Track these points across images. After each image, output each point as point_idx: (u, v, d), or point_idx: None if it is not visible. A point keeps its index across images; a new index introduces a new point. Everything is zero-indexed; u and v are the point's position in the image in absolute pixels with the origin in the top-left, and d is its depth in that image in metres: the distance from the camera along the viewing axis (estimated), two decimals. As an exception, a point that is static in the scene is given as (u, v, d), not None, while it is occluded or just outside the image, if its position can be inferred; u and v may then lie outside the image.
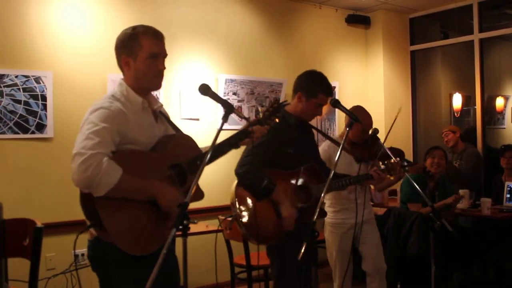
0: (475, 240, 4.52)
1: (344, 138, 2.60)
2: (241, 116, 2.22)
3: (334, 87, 5.84)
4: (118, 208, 1.87)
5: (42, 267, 3.29)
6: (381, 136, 3.42)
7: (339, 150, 2.44)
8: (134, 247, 1.90)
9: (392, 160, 3.12)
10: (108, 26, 4.31)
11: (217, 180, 4.56)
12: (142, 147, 2.03)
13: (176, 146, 2.12)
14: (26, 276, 2.72)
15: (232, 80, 5.05)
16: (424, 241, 3.92)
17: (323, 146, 3.50)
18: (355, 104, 3.73)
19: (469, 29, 5.88)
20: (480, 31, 5.79)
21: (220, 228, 3.67)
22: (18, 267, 2.93)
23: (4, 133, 3.84)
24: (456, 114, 6.53)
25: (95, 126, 1.87)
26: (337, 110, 5.61)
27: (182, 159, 2.11)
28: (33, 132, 3.96)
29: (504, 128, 7.48)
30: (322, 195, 2.34)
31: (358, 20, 6.14)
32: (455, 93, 6.69)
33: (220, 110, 4.69)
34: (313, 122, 3.19)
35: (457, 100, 6.55)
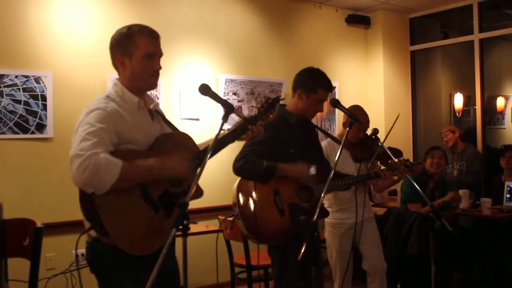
0: (475, 240, 4.52)
1: (344, 137, 2.59)
2: (241, 116, 2.22)
3: (334, 87, 5.84)
4: (118, 209, 1.86)
5: (42, 267, 3.29)
6: (380, 136, 3.43)
7: (339, 149, 2.44)
8: (135, 248, 1.90)
9: (397, 160, 3.12)
10: (108, 26, 4.30)
11: (217, 180, 4.57)
12: (140, 147, 2.02)
13: (174, 144, 2.12)
14: (26, 276, 2.72)
15: (232, 80, 5.05)
16: (424, 241, 3.92)
17: (322, 144, 3.50)
18: (355, 104, 3.73)
19: (469, 29, 5.88)
20: (480, 31, 5.79)
21: (220, 228, 3.68)
22: (18, 267, 2.93)
23: (4, 133, 3.84)
24: (457, 114, 6.53)
25: (92, 127, 1.85)
26: (337, 110, 5.66)
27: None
28: (33, 132, 3.96)
29: (504, 128, 7.48)
30: (322, 195, 2.34)
31: (358, 20, 6.14)
32: (455, 93, 6.69)
33: (220, 110, 4.69)
34: (313, 122, 3.19)
35: (459, 100, 6.54)
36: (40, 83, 3.98)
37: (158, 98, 4.51)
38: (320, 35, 5.87)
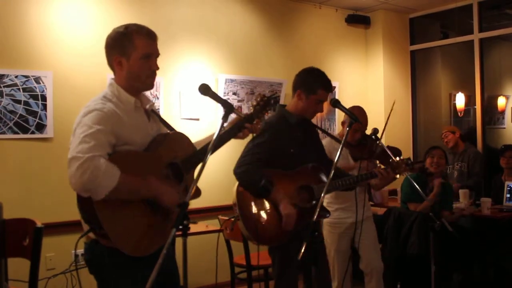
0: (475, 240, 4.52)
1: (344, 137, 2.58)
2: (241, 116, 2.22)
3: (334, 87, 5.84)
4: (117, 211, 1.85)
5: (42, 267, 3.29)
6: (379, 131, 3.42)
7: (339, 149, 2.43)
8: (135, 249, 1.89)
9: (398, 158, 3.11)
10: (108, 26, 4.24)
11: (217, 180, 4.57)
12: (137, 147, 2.01)
13: (171, 144, 2.11)
14: (26, 276, 2.72)
15: (232, 80, 5.05)
16: (424, 241, 3.92)
17: (323, 142, 3.50)
18: (355, 104, 3.73)
19: (469, 29, 5.88)
20: (480, 31, 5.79)
21: (220, 228, 3.68)
22: (18, 267, 2.93)
23: (4, 133, 3.84)
24: (460, 114, 6.53)
25: (90, 128, 1.84)
26: (337, 110, 5.66)
27: (178, 157, 2.10)
28: (33, 132, 3.96)
29: (504, 128, 7.47)
30: (322, 195, 2.34)
31: (358, 20, 6.14)
32: (456, 93, 6.69)
33: (220, 110, 4.69)
34: (313, 122, 3.18)
35: (460, 100, 6.53)
36: (40, 83, 3.98)
37: (158, 98, 4.51)
38: (320, 35, 5.87)
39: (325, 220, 3.55)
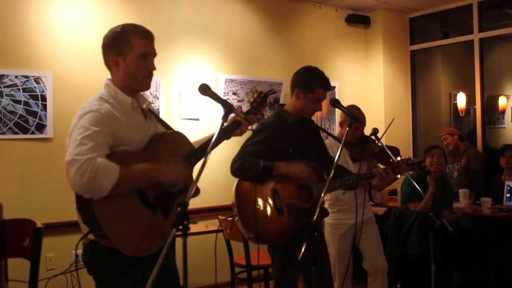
0: (475, 240, 4.52)
1: (344, 137, 2.58)
2: (241, 116, 2.22)
3: (334, 87, 5.85)
4: (116, 211, 1.85)
5: (42, 267, 3.29)
6: (379, 136, 3.42)
7: (339, 149, 2.43)
8: (136, 250, 1.89)
9: (398, 158, 3.10)
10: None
11: (217, 180, 4.56)
12: (134, 147, 2.00)
13: (169, 143, 2.11)
14: (26, 276, 2.72)
15: (232, 80, 5.05)
16: (424, 241, 3.92)
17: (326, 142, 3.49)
18: (355, 104, 3.72)
19: (469, 29, 5.88)
20: (480, 31, 5.79)
21: (220, 228, 3.68)
22: (18, 267, 2.93)
23: (4, 133, 3.84)
24: (461, 114, 6.52)
25: (87, 130, 1.83)
26: (336, 109, 5.65)
27: (177, 156, 2.10)
28: (33, 133, 3.96)
29: (504, 127, 7.48)
30: (322, 194, 2.34)
31: (358, 20, 6.14)
32: (456, 92, 6.69)
33: (220, 110, 4.69)
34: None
35: (461, 100, 6.53)
36: (40, 83, 3.98)
37: (158, 98, 4.51)
38: (320, 35, 5.87)
39: (327, 221, 3.54)
